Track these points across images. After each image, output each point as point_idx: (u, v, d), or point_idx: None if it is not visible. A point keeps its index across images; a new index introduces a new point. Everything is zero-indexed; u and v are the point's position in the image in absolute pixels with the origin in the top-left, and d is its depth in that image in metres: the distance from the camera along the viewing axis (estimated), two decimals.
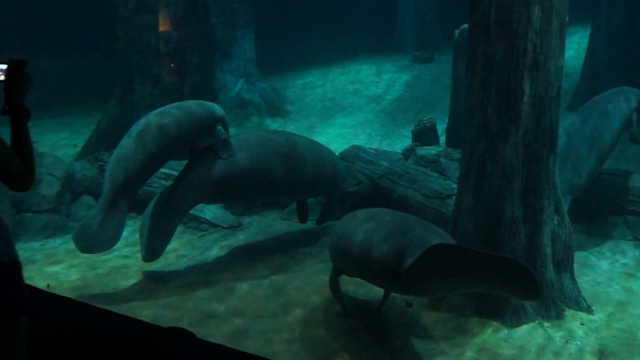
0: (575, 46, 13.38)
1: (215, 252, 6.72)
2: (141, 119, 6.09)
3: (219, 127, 6.12)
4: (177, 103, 6.34)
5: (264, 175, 6.19)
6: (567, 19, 5.14)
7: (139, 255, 5.99)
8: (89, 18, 13.15)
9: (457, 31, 8.62)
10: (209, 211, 7.41)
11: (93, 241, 5.67)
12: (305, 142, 6.82)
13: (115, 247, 5.96)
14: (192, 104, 6.27)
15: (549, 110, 5.07)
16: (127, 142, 5.89)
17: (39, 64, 12.97)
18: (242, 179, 6.09)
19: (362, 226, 4.61)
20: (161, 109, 6.17)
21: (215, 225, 7.31)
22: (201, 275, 6.12)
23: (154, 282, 6.00)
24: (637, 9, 10.36)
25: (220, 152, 6.04)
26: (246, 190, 6.28)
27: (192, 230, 7.26)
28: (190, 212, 7.16)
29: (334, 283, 5.21)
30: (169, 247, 6.72)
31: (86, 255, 5.96)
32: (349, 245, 4.63)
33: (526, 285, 3.87)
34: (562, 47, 5.13)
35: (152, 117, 6.01)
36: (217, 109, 6.31)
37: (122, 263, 6.44)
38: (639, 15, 10.37)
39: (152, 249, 5.88)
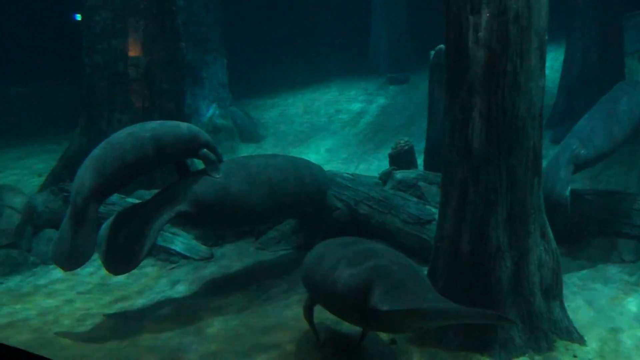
0: (550, 64, 13.33)
1: (185, 286, 6.39)
2: (121, 130, 5.97)
3: (204, 150, 6.01)
4: (165, 121, 6.33)
5: (249, 200, 6.05)
6: (546, 37, 4.97)
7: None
8: (53, 42, 12.80)
9: (432, 52, 8.46)
10: (180, 243, 7.11)
11: (73, 257, 5.41)
12: (282, 159, 6.71)
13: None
14: (179, 123, 6.21)
15: (532, 132, 4.87)
16: (103, 148, 5.75)
17: (1, 91, 12.72)
18: (226, 202, 5.94)
19: (329, 256, 4.57)
20: (146, 123, 6.13)
21: (186, 257, 7.00)
22: (170, 311, 5.79)
23: (119, 319, 5.65)
24: (608, 26, 10.37)
25: (211, 172, 5.95)
26: (228, 215, 6.07)
27: (162, 262, 6.93)
28: (160, 243, 6.94)
29: (307, 312, 4.97)
30: (138, 281, 6.43)
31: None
32: (314, 276, 4.62)
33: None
34: (542, 67, 4.94)
35: (136, 128, 5.93)
36: (203, 133, 6.24)
37: (86, 299, 6.09)
38: (610, 33, 10.39)
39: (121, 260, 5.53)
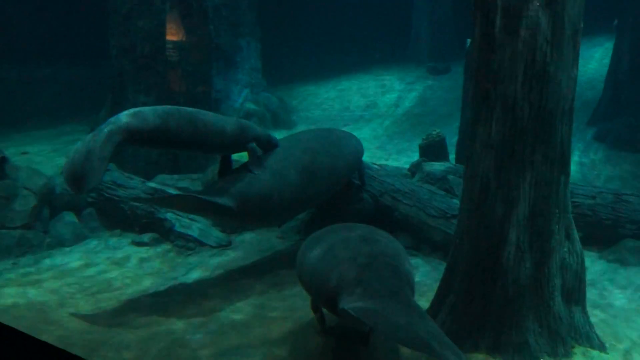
0: (599, 57, 12.85)
1: (199, 273, 6.28)
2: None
3: (253, 144, 5.97)
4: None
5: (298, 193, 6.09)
6: (582, 25, 4.65)
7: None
8: (81, 24, 12.78)
9: (469, 40, 8.16)
10: (197, 229, 6.99)
11: (80, 179, 5.03)
12: (317, 140, 6.58)
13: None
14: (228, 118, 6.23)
15: (559, 126, 4.58)
16: (159, 107, 5.77)
17: (31, 73, 12.79)
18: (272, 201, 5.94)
19: (313, 249, 4.54)
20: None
21: (202, 244, 6.88)
22: (180, 298, 5.69)
23: (128, 304, 5.57)
24: None
25: (251, 166, 5.91)
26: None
27: (178, 248, 6.83)
28: (178, 229, 6.88)
29: (313, 302, 4.85)
30: (153, 265, 6.35)
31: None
32: (301, 268, 4.66)
33: None
34: (575, 57, 4.63)
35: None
36: (252, 127, 6.17)
37: (98, 281, 6.05)
38: None
39: None
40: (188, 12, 8.48)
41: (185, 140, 5.61)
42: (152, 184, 7.47)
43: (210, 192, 5.81)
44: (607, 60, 11.27)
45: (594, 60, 12.85)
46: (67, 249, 6.83)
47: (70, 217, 7.15)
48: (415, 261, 6.61)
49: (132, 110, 5.51)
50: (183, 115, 5.62)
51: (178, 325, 5.15)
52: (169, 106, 5.91)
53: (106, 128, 5.23)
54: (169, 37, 8.49)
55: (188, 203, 5.88)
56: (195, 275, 6.23)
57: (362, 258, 4.23)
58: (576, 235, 4.83)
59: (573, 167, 4.71)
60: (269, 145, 6.13)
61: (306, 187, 6.13)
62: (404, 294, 4.08)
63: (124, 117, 5.34)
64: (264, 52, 11.85)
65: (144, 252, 6.79)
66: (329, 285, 4.16)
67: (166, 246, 6.88)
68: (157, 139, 5.52)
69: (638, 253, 6.60)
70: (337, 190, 6.72)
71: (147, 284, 6.00)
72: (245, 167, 5.98)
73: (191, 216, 7.02)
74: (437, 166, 7.63)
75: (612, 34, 12.13)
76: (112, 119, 5.34)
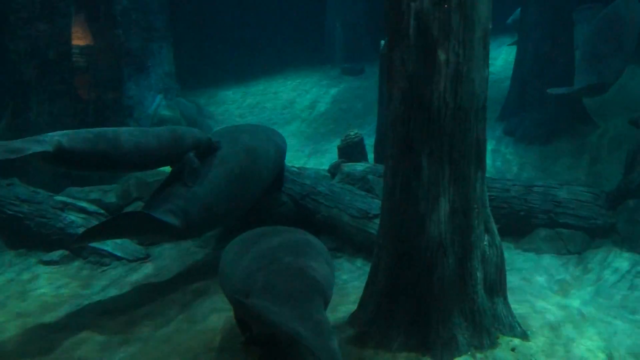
0: (505, 56, 13.33)
1: (116, 289, 6.02)
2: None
3: (191, 154, 5.84)
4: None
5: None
6: (491, 26, 4.81)
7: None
8: None
9: (382, 42, 8.29)
10: (111, 242, 6.65)
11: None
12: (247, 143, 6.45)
13: None
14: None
15: (474, 124, 4.70)
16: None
17: None
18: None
19: (229, 256, 4.69)
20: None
21: (118, 258, 6.60)
22: (97, 318, 5.42)
23: (39, 331, 5.21)
24: (560, 19, 10.37)
25: (188, 180, 5.76)
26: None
27: (92, 265, 6.52)
28: (90, 244, 6.57)
29: (234, 310, 4.82)
30: (66, 285, 6.05)
31: None
32: (220, 275, 4.77)
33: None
34: (486, 57, 4.77)
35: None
36: (190, 133, 6.06)
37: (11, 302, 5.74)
38: (562, 27, 10.39)
39: None
40: (95, 16, 8.15)
41: (115, 163, 5.53)
42: (60, 198, 7.12)
43: (152, 209, 5.58)
44: (511, 58, 11.71)
45: (500, 59, 13.32)
46: None
47: None
48: (340, 262, 6.65)
49: (63, 131, 5.42)
50: (110, 139, 5.49)
51: (96, 347, 4.91)
52: (98, 128, 5.76)
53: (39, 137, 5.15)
54: (75, 42, 8.14)
55: (132, 224, 5.62)
56: (112, 292, 5.97)
57: (270, 265, 4.33)
58: (495, 228, 4.98)
59: (486, 162, 4.88)
60: (210, 150, 5.99)
61: (243, 191, 6.07)
62: (306, 299, 4.12)
63: (56, 135, 5.26)
64: (178, 56, 11.64)
65: (54, 271, 6.45)
66: (239, 291, 4.29)
67: (79, 263, 6.56)
68: (87, 163, 5.46)
69: (550, 241, 6.92)
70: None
71: (59, 305, 5.68)
72: (180, 179, 5.79)
73: None
74: (356, 167, 7.70)
75: (513, 33, 12.68)
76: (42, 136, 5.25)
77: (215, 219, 5.93)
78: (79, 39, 8.09)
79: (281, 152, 6.82)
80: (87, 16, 8.10)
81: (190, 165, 5.79)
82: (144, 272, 6.43)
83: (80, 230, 6.61)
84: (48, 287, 6.17)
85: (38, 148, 5.05)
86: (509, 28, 13.63)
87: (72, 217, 6.79)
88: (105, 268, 6.51)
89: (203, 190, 5.76)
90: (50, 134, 5.34)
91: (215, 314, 5.41)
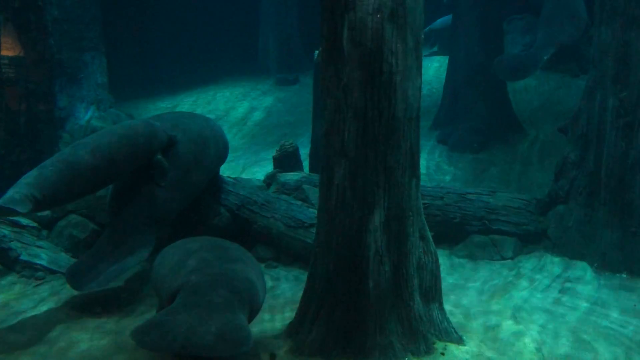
0: (437, 65, 13.59)
1: (50, 304, 5.83)
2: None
3: (159, 156, 6.03)
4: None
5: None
6: (422, 37, 4.91)
7: None
8: None
9: (317, 52, 8.34)
10: (45, 255, 6.51)
11: None
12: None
13: None
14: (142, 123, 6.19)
15: (408, 133, 4.78)
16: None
17: None
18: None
19: (158, 262, 5.00)
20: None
21: (53, 272, 6.40)
22: (30, 334, 5.24)
23: None
24: (490, 30, 10.66)
25: (159, 181, 6.00)
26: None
27: (26, 279, 6.31)
28: (24, 258, 6.41)
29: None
30: None
31: None
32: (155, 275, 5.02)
33: None
34: (419, 67, 4.86)
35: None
36: (157, 129, 6.11)
37: None
38: (493, 36, 10.68)
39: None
40: (26, 26, 7.94)
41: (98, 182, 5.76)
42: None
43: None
44: (444, 68, 11.96)
45: (433, 67, 13.58)
46: None
47: None
48: (277, 272, 6.64)
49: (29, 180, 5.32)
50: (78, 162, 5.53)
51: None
52: (60, 155, 5.69)
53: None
54: (4, 53, 7.91)
55: None
56: (45, 307, 5.78)
57: (193, 272, 4.63)
58: (429, 235, 5.07)
59: (420, 170, 4.98)
60: (170, 146, 6.12)
61: (193, 184, 6.36)
62: (222, 303, 4.39)
63: (24, 189, 5.23)
64: (111, 67, 11.41)
65: None
66: (163, 296, 4.66)
67: (12, 278, 6.33)
68: (72, 195, 5.62)
69: (484, 247, 7.08)
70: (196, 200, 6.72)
71: None
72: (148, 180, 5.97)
73: (39, 243, 6.58)
74: (291, 176, 7.71)
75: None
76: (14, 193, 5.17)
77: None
78: (8, 49, 7.86)
79: (224, 148, 7.16)
80: (17, 26, 7.87)
81: (160, 167, 5.94)
82: None
83: (13, 244, 6.50)
84: None
85: (18, 210, 5.07)
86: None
87: (5, 231, 6.58)
88: (39, 282, 6.31)
89: (169, 193, 6.08)
90: (18, 188, 5.21)
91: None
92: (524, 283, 6.45)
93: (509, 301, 5.96)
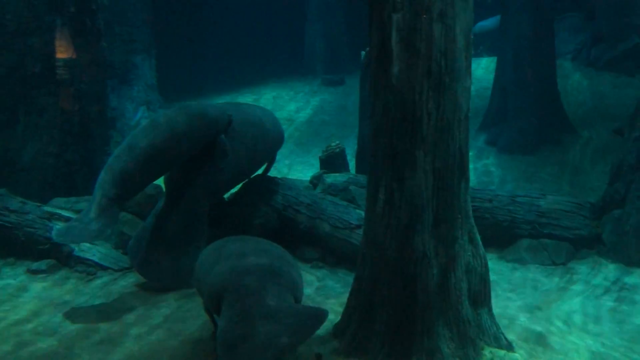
0: (485, 65, 13.42)
1: (102, 299, 6.01)
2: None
3: (222, 136, 6.27)
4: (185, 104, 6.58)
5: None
6: (472, 37, 4.83)
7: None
8: None
9: (363, 52, 8.32)
10: (97, 252, 6.73)
11: (78, 232, 5.62)
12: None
13: None
14: (203, 105, 6.42)
15: (457, 134, 4.71)
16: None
17: None
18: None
19: (209, 257, 4.91)
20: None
21: (104, 268, 6.61)
22: (83, 327, 5.40)
23: (27, 341, 5.19)
24: (540, 28, 10.47)
25: (219, 161, 6.23)
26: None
27: (78, 274, 6.54)
28: (77, 254, 6.62)
29: (206, 309, 5.04)
30: (50, 295, 6.06)
31: None
32: (197, 275, 4.98)
33: None
34: (468, 67, 4.79)
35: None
36: (221, 110, 6.39)
37: None
38: (543, 36, 10.48)
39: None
40: (80, 30, 8.19)
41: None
42: (47, 208, 7.16)
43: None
44: (492, 67, 11.79)
45: (481, 67, 13.42)
46: None
47: None
48: (322, 273, 6.64)
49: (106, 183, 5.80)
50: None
51: (83, 357, 4.89)
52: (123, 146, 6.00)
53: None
54: (59, 55, 8.17)
55: None
56: (98, 301, 5.96)
57: (239, 271, 4.58)
58: (479, 238, 4.98)
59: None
60: (229, 126, 6.35)
61: (246, 164, 6.67)
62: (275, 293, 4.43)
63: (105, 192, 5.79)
64: (160, 68, 11.61)
65: (41, 280, 6.46)
66: (212, 291, 4.60)
67: (66, 273, 6.57)
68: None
69: (533, 251, 6.93)
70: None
71: (46, 314, 5.67)
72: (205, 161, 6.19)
73: None
74: (338, 177, 7.69)
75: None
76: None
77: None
78: (63, 52, 8.10)
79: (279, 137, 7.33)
80: (72, 30, 8.15)
81: (222, 146, 6.16)
82: (129, 281, 6.40)
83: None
84: (36, 295, 6.16)
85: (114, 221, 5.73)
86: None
87: (59, 227, 6.80)
88: (91, 277, 6.52)
89: (226, 173, 6.38)
90: (105, 219, 5.68)
91: (202, 320, 5.40)
92: (577, 289, 6.27)
93: (561, 308, 5.82)
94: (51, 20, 8.07)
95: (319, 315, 4.40)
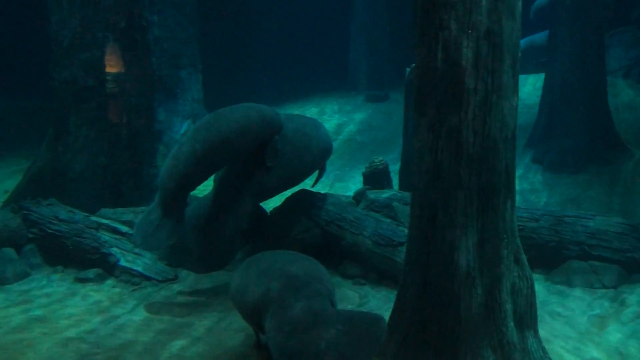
0: (532, 81, 13.25)
1: (145, 309, 6.10)
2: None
3: (277, 136, 6.44)
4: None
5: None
6: (520, 55, 4.77)
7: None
8: (25, 57, 12.50)
9: (408, 69, 8.29)
10: (142, 262, 6.87)
11: (151, 240, 5.94)
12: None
13: None
14: (259, 106, 6.67)
15: (504, 153, 4.65)
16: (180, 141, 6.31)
17: None
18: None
19: (245, 271, 4.89)
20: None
21: (148, 278, 6.74)
22: (126, 337, 5.48)
23: (72, 348, 5.28)
24: (590, 44, 10.27)
25: (269, 160, 6.33)
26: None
27: (123, 284, 6.69)
28: (122, 264, 6.76)
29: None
30: (97, 304, 6.17)
31: None
32: (233, 289, 4.98)
33: None
34: (515, 85, 4.73)
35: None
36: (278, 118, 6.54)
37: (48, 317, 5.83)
38: (593, 51, 10.29)
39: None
40: (130, 45, 8.41)
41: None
42: (95, 218, 7.35)
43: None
44: (539, 84, 11.62)
45: (528, 84, 13.25)
46: (8, 286, 6.64)
47: (10, 253, 6.96)
48: (365, 290, 6.59)
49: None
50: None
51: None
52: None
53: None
54: (109, 70, 8.40)
55: None
56: (141, 311, 6.05)
57: (278, 281, 4.58)
58: (525, 259, 4.89)
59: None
60: (281, 129, 6.50)
61: (294, 170, 6.71)
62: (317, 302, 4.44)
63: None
64: (206, 82, 11.76)
65: (88, 288, 6.62)
66: (249, 306, 4.63)
67: (111, 282, 6.72)
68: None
69: (582, 274, 6.73)
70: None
71: (92, 322, 5.77)
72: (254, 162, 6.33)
73: (137, 250, 6.88)
74: (381, 194, 7.65)
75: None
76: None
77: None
78: (112, 66, 8.31)
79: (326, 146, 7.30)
80: (122, 45, 8.37)
81: (274, 149, 6.30)
82: (172, 292, 6.49)
83: (114, 250, 6.93)
84: (83, 302, 6.31)
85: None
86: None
87: (106, 237, 7.02)
88: (135, 287, 6.65)
89: (276, 172, 6.46)
90: (169, 236, 6.06)
91: (244, 333, 5.42)
92: (629, 315, 6.05)
93: (612, 335, 5.62)
94: (103, 36, 8.28)
95: (378, 319, 4.39)
